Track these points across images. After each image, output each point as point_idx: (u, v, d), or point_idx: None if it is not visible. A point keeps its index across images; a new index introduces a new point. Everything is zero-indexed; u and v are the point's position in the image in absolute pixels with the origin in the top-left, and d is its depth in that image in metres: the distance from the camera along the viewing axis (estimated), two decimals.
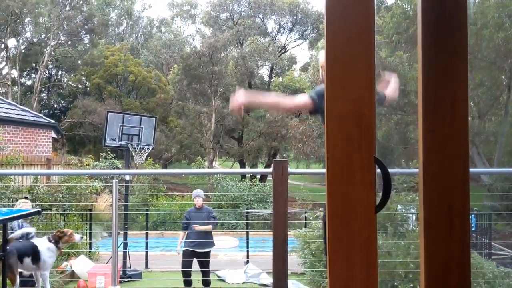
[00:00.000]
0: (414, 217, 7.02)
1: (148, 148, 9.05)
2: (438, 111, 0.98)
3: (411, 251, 5.38)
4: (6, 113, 12.82)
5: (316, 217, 7.49)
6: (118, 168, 13.90)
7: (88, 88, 27.68)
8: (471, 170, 1.03)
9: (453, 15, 1.00)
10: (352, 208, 0.96)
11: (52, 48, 25.31)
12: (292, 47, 30.58)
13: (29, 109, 16.00)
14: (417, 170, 1.05)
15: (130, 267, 8.00)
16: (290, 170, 3.89)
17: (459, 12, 0.99)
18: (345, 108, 0.98)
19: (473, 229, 9.05)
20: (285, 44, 30.10)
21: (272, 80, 28.65)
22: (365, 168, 0.96)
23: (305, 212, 9.93)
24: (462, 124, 0.98)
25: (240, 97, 2.94)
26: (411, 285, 4.97)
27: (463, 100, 0.99)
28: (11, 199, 8.79)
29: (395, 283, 4.94)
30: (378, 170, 1.03)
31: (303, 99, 3.26)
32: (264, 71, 29.38)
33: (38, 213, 3.60)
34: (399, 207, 6.79)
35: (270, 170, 3.90)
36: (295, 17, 28.72)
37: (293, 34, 30.21)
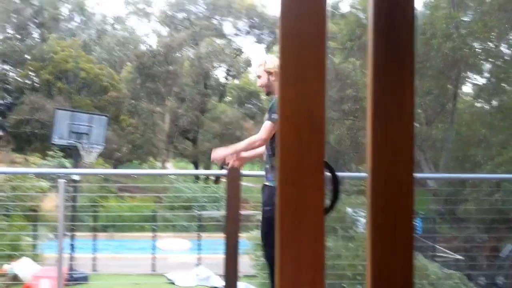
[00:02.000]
0: (363, 220, 7.21)
1: (98, 147, 8.82)
2: (385, 117, 1.01)
3: (360, 253, 5.52)
4: None
5: None
6: (66, 167, 13.45)
7: (36, 84, 26.63)
8: (417, 175, 1.07)
9: (402, 25, 1.03)
10: (302, 210, 0.97)
11: None
12: (249, 50, 30.76)
13: None
14: (365, 174, 1.08)
15: (77, 270, 7.76)
16: (243, 172, 3.91)
17: (407, 22, 1.03)
18: (298, 111, 0.99)
19: (419, 232, 9.36)
20: (241, 46, 30.20)
21: (228, 81, 28.67)
22: (315, 171, 0.98)
23: (258, 214, 9.97)
24: (408, 130, 1.02)
25: (220, 152, 3.46)
26: (359, 286, 5.10)
27: (410, 107, 1.02)
28: None
29: (343, 285, 5.05)
30: (329, 174, 1.05)
31: (267, 127, 3.36)
32: (220, 73, 29.36)
33: None
34: (349, 210, 6.96)
35: (224, 171, 3.91)
36: (252, 20, 28.86)
37: (249, 37, 30.36)
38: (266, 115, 3.47)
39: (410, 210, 1.03)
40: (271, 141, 3.39)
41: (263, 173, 3.66)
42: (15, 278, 7.10)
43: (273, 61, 3.48)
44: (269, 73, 3.44)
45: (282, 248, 0.98)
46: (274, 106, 3.36)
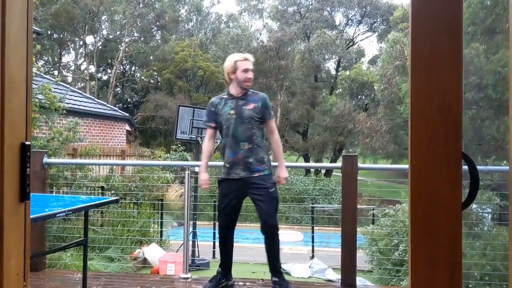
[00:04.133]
0: (490, 217, 6.66)
1: (216, 142, 9.24)
2: None
3: (487, 252, 5.11)
4: (85, 106, 13.61)
5: (385, 214, 7.31)
6: (187, 160, 14.33)
7: (159, 83, 28.71)
8: None
9: None
10: (436, 205, 0.93)
11: (126, 45, 26.51)
12: (361, 40, 29.96)
13: (105, 103, 16.88)
14: (505, 168, 1.00)
15: (199, 256, 8.24)
16: (360, 165, 3.83)
17: None
18: (431, 101, 0.95)
19: None
20: (353, 37, 29.52)
21: (339, 73, 28.21)
22: (451, 164, 0.93)
23: (373, 209, 9.72)
24: None
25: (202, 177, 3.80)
26: (487, 287, 4.73)
27: None
28: (89, 187, 9.34)
29: (470, 285, 4.73)
30: (465, 167, 0.99)
31: (207, 134, 3.84)
32: (331, 65, 29.01)
33: (116, 201, 3.79)
34: (474, 206, 6.47)
35: (339, 164, 3.86)
36: (363, 9, 28.03)
37: (361, 27, 29.55)
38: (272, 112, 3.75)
39: None
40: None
41: (381, 166, 3.61)
42: (144, 261, 7.77)
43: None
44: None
45: (415, 247, 0.94)
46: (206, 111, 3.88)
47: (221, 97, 3.77)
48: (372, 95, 27.09)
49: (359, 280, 6.60)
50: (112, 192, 9.62)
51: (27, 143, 1.18)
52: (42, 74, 10.87)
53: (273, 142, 3.77)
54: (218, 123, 3.69)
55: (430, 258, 0.94)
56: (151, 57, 28.48)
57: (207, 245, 9.06)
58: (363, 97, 27.62)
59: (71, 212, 3.07)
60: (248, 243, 10.68)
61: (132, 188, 10.30)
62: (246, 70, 3.67)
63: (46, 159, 4.37)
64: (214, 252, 8.86)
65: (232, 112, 3.62)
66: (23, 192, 1.15)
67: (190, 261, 7.52)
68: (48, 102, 8.63)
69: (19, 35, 1.15)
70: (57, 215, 2.90)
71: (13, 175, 1.12)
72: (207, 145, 3.84)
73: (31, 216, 1.57)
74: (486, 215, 6.55)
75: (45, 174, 4.47)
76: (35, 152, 4.52)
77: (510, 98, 0.96)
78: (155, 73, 28.94)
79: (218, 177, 3.79)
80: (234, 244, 3.83)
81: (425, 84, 0.97)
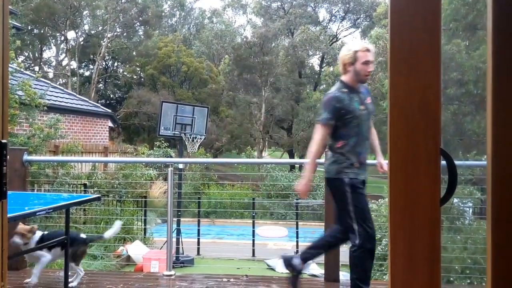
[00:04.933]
0: (471, 211, 6.77)
1: (200, 138, 9.22)
2: (510, 104, 0.93)
3: (468, 246, 5.20)
4: (67, 103, 13.43)
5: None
6: (171, 156, 14.26)
7: (142, 79, 28.48)
8: None
9: None
10: (415, 200, 0.93)
11: (108, 40, 26.21)
12: (344, 36, 30.08)
13: (87, 99, 16.68)
14: (484, 162, 1.01)
15: (183, 253, 8.21)
16: None
17: None
18: (410, 96, 0.95)
19: None
20: (336, 33, 29.65)
21: (323, 69, 28.32)
22: (430, 159, 0.93)
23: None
24: None
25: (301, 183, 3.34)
26: (468, 280, 4.81)
27: None
28: (71, 185, 9.23)
29: (451, 278, 4.80)
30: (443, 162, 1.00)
31: (320, 131, 3.23)
32: (315, 61, 29.10)
33: (98, 199, 3.75)
34: (455, 200, 6.57)
35: (322, 160, 3.87)
36: (347, 5, 28.17)
37: (345, 23, 29.70)
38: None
39: None
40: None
41: (371, 162, 3.53)
42: (128, 259, 7.72)
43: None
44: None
45: (393, 240, 0.95)
46: (325, 100, 3.27)
47: (341, 91, 3.25)
48: None
49: (343, 275, 6.65)
50: (95, 189, 9.53)
51: (3, 141, 1.16)
52: (22, 70, 10.67)
53: (374, 135, 3.48)
54: (342, 120, 3.19)
55: (409, 253, 0.94)
56: (134, 53, 28.22)
57: (191, 241, 9.04)
58: None
59: (51, 210, 3.03)
60: (232, 239, 10.70)
61: (115, 185, 10.21)
62: (367, 62, 3.20)
63: (26, 157, 4.30)
64: (198, 249, 8.84)
65: (362, 107, 3.23)
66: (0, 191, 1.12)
67: (174, 258, 7.50)
68: (28, 99, 8.49)
69: None
70: (38, 213, 2.86)
71: None
72: (321, 145, 3.26)
73: (9, 215, 1.54)
74: (467, 209, 6.66)
75: (26, 172, 4.40)
76: (15, 150, 4.44)
77: (488, 94, 0.97)
78: (138, 69, 28.70)
79: (346, 178, 3.22)
80: (218, 241, 3.77)
81: (404, 80, 0.97)
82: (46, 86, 11.18)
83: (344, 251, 6.98)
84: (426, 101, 0.95)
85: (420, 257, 0.94)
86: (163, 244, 7.22)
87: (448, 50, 15.97)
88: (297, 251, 8.98)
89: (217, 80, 26.12)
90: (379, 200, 7.33)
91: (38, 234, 3.46)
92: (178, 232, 8.07)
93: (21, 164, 4.21)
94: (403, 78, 0.97)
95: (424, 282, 0.93)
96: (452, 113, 17.29)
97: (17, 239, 3.31)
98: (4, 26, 1.28)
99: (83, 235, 3.78)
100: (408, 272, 0.94)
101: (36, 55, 28.77)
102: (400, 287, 0.93)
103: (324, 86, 28.30)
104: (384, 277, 5.86)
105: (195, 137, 9.06)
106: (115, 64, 31.19)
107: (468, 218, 6.63)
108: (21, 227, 3.39)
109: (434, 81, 0.96)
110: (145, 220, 9.30)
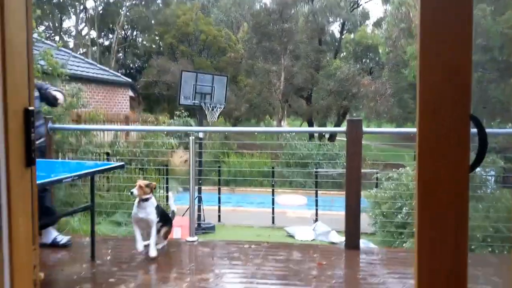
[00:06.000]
0: (493, 179, 6.68)
1: (220, 107, 9.22)
2: None
3: (490, 215, 5.16)
4: (88, 72, 13.52)
5: (389, 178, 7.34)
6: (191, 125, 14.33)
7: (161, 48, 28.39)
8: None
9: None
10: (444, 168, 0.92)
11: (127, 9, 26.07)
12: (365, 2, 29.35)
13: (107, 69, 16.76)
14: (509, 130, 0.99)
15: (204, 220, 8.36)
16: (364, 129, 3.81)
17: None
18: (439, 62, 0.93)
19: None
20: None
21: (343, 36, 27.79)
22: (460, 126, 0.92)
23: (377, 173, 9.76)
24: None
25: None
26: (489, 249, 4.80)
27: None
28: (94, 153, 9.38)
29: (472, 247, 4.80)
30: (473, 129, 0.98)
31: None
32: (335, 28, 28.56)
33: (121, 167, 3.81)
34: (477, 169, 6.49)
35: (344, 129, 3.85)
36: None
37: None
38: None
39: None
40: None
41: (386, 130, 3.50)
42: None
43: None
44: None
45: (422, 208, 0.94)
46: None
47: None
48: (377, 59, 26.76)
49: (363, 242, 6.71)
50: (118, 158, 9.66)
51: (31, 108, 1.17)
52: (43, 39, 10.72)
53: None
54: None
55: (436, 220, 0.94)
56: (153, 22, 28.05)
57: (212, 209, 9.18)
58: (368, 61, 27.31)
59: (77, 178, 3.10)
60: (252, 207, 10.83)
61: (137, 153, 10.34)
62: None
63: (50, 125, 4.37)
64: (219, 216, 8.98)
65: None
66: (28, 158, 1.15)
67: (196, 224, 7.64)
68: (50, 68, 8.56)
69: None
70: (64, 180, 2.92)
71: (18, 141, 1.11)
72: None
73: (37, 182, 1.58)
74: (490, 177, 6.58)
75: (50, 140, 4.48)
76: None
77: None
78: (157, 38, 28.59)
79: None
80: (239, 208, 3.81)
81: (434, 47, 0.95)
82: (67, 56, 11.25)
83: (364, 219, 7.01)
84: (456, 67, 0.92)
85: (447, 224, 0.93)
86: (185, 211, 7.35)
87: (473, 15, 15.47)
88: (316, 219, 9.05)
89: (236, 49, 25.86)
90: (399, 169, 7.28)
91: (154, 200, 3.68)
92: (200, 199, 8.19)
93: (46, 132, 4.29)
94: (433, 45, 0.94)
95: (451, 250, 0.93)
96: (476, 80, 16.89)
97: (135, 191, 3.57)
98: None
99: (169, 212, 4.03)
100: (434, 239, 0.94)
101: (56, 24, 28.85)
102: (427, 255, 0.93)
103: (344, 53, 27.83)
104: (404, 245, 5.88)
105: (215, 106, 9.07)
106: (134, 33, 31.11)
107: (490, 186, 6.55)
108: (141, 181, 3.64)
109: (464, 47, 0.93)
110: (167, 187, 9.44)
